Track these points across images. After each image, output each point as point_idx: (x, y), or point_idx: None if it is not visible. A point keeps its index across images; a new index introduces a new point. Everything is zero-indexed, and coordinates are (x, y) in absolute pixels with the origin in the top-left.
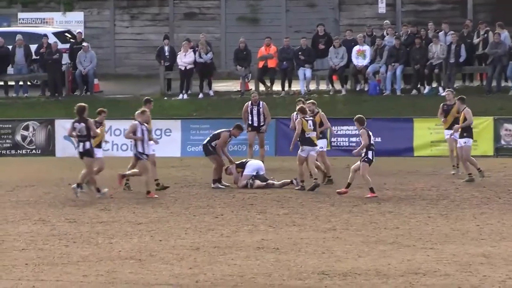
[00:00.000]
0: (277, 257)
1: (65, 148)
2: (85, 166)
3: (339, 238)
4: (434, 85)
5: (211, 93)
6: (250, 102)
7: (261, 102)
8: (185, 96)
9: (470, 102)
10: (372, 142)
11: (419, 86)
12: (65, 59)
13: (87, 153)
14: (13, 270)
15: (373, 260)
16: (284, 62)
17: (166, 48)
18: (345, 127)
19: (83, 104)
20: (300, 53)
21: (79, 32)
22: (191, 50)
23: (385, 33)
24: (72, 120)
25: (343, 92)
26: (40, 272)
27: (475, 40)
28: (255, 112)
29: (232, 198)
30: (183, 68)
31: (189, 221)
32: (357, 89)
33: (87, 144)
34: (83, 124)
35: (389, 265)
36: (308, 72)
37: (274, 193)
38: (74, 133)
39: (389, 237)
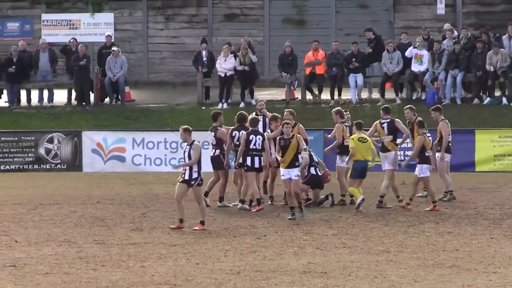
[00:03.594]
0: (325, 282)
1: (93, 162)
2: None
3: (393, 261)
4: (498, 94)
5: (253, 102)
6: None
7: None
8: (225, 106)
9: None
10: None
11: (481, 94)
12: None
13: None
14: None
15: (430, 285)
16: (334, 68)
17: (204, 52)
18: (399, 140)
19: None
20: (354, 59)
21: (109, 35)
22: (232, 55)
23: (444, 36)
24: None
25: (398, 101)
26: None
27: None
28: (260, 124)
29: (276, 217)
30: (222, 75)
31: (229, 243)
32: (414, 97)
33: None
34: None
35: None
36: (360, 79)
37: (322, 212)
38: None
39: (447, 260)
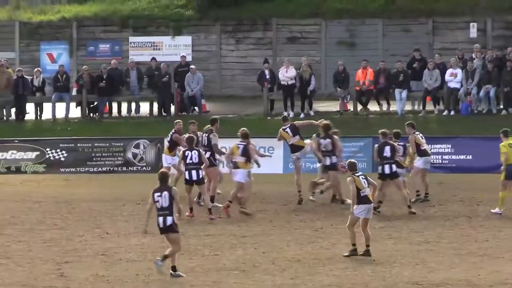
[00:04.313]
0: (373, 269)
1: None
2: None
3: (432, 250)
4: None
5: (312, 113)
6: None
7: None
8: (291, 115)
9: None
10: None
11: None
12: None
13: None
14: (125, 281)
15: (464, 271)
16: (381, 83)
17: (267, 71)
18: (438, 145)
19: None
20: (402, 75)
21: (183, 56)
22: (292, 67)
23: (474, 56)
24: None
25: (436, 112)
26: (150, 282)
27: None
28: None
29: (331, 213)
30: (285, 84)
31: (291, 234)
32: (450, 109)
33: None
34: (328, 140)
35: (479, 276)
36: (404, 93)
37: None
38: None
39: (479, 250)
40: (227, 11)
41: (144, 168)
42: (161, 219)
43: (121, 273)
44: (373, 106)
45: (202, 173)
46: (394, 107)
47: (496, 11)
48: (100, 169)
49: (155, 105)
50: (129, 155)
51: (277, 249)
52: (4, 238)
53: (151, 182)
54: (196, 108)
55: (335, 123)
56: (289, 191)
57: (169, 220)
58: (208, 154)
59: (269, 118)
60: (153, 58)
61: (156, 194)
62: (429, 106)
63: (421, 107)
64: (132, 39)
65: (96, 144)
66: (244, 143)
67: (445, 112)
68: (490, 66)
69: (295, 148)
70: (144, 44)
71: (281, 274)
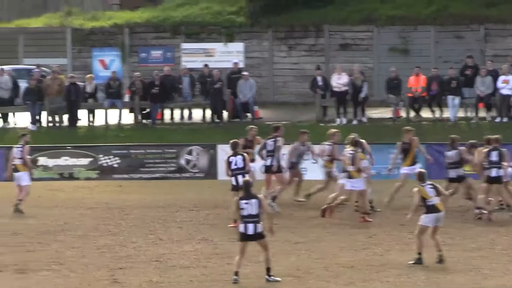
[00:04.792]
0: (427, 275)
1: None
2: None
3: (485, 257)
4: None
5: (364, 119)
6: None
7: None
8: (343, 121)
9: None
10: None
11: None
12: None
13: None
14: (177, 287)
15: None
16: (433, 90)
17: (319, 78)
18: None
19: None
20: (454, 81)
21: (235, 62)
22: (344, 73)
23: None
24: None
25: (489, 119)
26: None
27: None
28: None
29: (385, 219)
30: (338, 90)
31: (344, 241)
32: (502, 116)
33: None
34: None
35: None
36: (457, 100)
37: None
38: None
39: None
40: (279, 18)
41: (197, 174)
42: (251, 226)
43: (175, 279)
44: (425, 113)
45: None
46: (446, 113)
47: None
48: (153, 175)
49: (208, 112)
50: (182, 161)
51: (330, 255)
52: (57, 244)
53: (204, 189)
54: (248, 114)
55: (388, 130)
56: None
57: (259, 227)
58: (273, 160)
59: (321, 124)
60: (206, 65)
61: (243, 202)
62: (482, 113)
63: (473, 114)
64: (184, 45)
65: (148, 151)
66: (353, 151)
67: (498, 119)
68: None
69: None
70: (196, 51)
71: (335, 280)
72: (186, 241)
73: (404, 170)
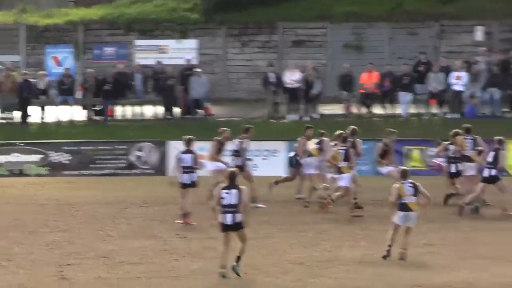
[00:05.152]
0: (376, 271)
1: None
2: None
3: (435, 253)
4: None
5: (316, 115)
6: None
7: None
8: (295, 117)
9: None
10: None
11: None
12: None
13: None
14: (126, 283)
15: (467, 274)
16: (386, 86)
17: (271, 74)
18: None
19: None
20: (407, 78)
21: (188, 59)
22: (297, 70)
23: (479, 59)
24: None
25: (440, 115)
26: (152, 285)
27: None
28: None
29: (336, 215)
30: (290, 87)
31: (295, 237)
32: (454, 112)
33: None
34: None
35: (482, 279)
36: (409, 96)
37: (374, 211)
38: None
39: (483, 252)
40: (232, 15)
41: (148, 171)
42: (229, 216)
43: (123, 275)
44: (377, 109)
45: (195, 176)
46: (398, 109)
47: (502, 14)
48: (103, 172)
49: (160, 108)
50: (133, 158)
51: (280, 252)
52: (6, 240)
53: (154, 185)
54: (201, 111)
55: (340, 126)
56: (292, 193)
57: (238, 217)
58: (238, 160)
59: (273, 120)
60: (159, 61)
61: (224, 191)
62: (434, 109)
63: (425, 110)
64: (137, 42)
65: (99, 147)
66: (346, 147)
67: (449, 115)
68: (495, 69)
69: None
70: (149, 48)
71: (283, 277)
72: (135, 238)
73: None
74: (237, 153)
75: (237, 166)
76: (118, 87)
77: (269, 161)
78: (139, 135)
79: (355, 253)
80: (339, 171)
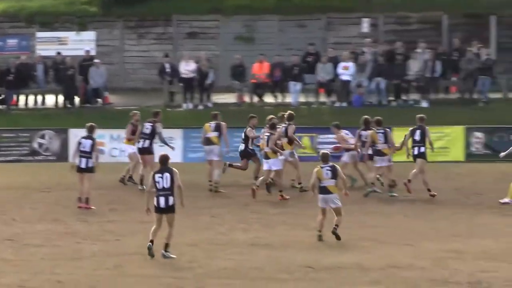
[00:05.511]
0: (268, 253)
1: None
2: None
3: (324, 236)
4: (414, 97)
5: (210, 104)
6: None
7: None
8: (189, 106)
9: (445, 113)
10: None
11: (399, 98)
12: None
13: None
14: (30, 264)
15: (355, 255)
16: (276, 76)
17: (167, 65)
18: (330, 135)
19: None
20: (296, 68)
21: (87, 50)
22: (192, 61)
23: (365, 49)
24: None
25: (329, 104)
26: (55, 266)
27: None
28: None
29: (228, 199)
30: (186, 77)
31: (189, 221)
32: (342, 101)
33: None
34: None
35: (369, 260)
36: (298, 86)
37: (269, 196)
38: None
39: (371, 235)
40: (129, 8)
41: (50, 157)
42: (162, 199)
43: (27, 257)
44: (268, 98)
45: (91, 162)
46: (288, 99)
47: (387, 7)
48: (6, 158)
49: (60, 97)
50: (35, 145)
51: (176, 235)
52: None
53: (56, 171)
54: (99, 100)
55: (232, 115)
56: (189, 179)
57: (171, 200)
58: (148, 142)
59: (169, 109)
60: (59, 53)
61: (157, 175)
62: (322, 98)
63: (314, 99)
64: (39, 34)
65: (3, 135)
66: (271, 133)
67: (338, 104)
68: (380, 60)
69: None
70: (50, 39)
71: (179, 258)
72: (39, 221)
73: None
74: (147, 136)
75: (145, 148)
76: (21, 77)
77: (165, 148)
78: (41, 123)
79: (248, 235)
80: (266, 156)
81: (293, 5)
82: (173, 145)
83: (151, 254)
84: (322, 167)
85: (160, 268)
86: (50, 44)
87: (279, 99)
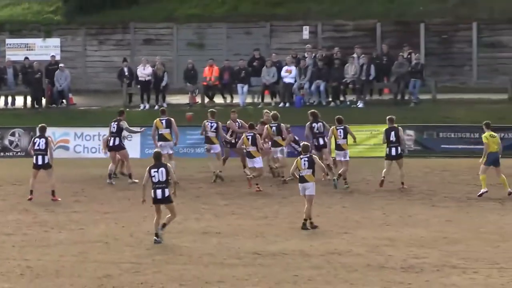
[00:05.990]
0: (219, 240)
1: None
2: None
3: (270, 224)
4: (351, 98)
5: (165, 105)
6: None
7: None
8: (146, 107)
9: (379, 112)
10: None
11: (338, 99)
12: None
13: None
14: (1, 251)
15: (298, 242)
16: (225, 79)
17: (125, 69)
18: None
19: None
20: (243, 72)
21: (53, 55)
22: (149, 65)
23: (306, 55)
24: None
25: (273, 104)
26: (24, 253)
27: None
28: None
29: (182, 191)
30: (143, 80)
31: (147, 212)
32: (285, 101)
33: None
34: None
35: (311, 247)
36: (245, 88)
37: (218, 187)
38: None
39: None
40: (91, 17)
41: (19, 153)
42: (159, 191)
43: None
44: (218, 99)
45: (47, 158)
46: (236, 100)
47: (325, 16)
48: None
49: (29, 99)
50: (6, 142)
51: (135, 224)
52: None
53: (25, 166)
54: (64, 101)
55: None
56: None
57: (166, 191)
58: (118, 140)
59: (127, 109)
60: (26, 58)
61: (153, 170)
62: (267, 99)
63: (260, 100)
64: (8, 41)
65: None
66: (253, 133)
67: (281, 104)
68: (320, 64)
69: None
70: (19, 46)
71: (138, 246)
72: (9, 212)
73: None
74: (115, 134)
75: (116, 146)
76: None
77: (126, 144)
78: (12, 122)
79: (200, 224)
80: (250, 155)
81: (239, 14)
82: (139, 129)
83: (158, 241)
84: (301, 158)
85: (120, 254)
86: (18, 50)
87: (228, 100)
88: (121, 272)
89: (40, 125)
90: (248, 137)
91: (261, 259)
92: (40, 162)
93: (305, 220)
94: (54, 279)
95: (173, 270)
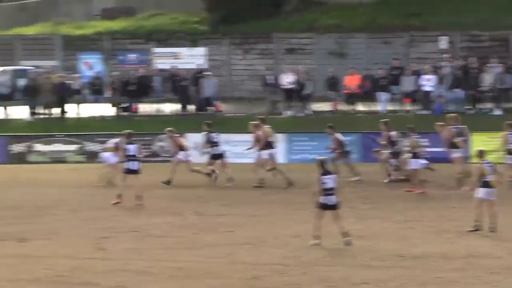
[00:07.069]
0: (361, 244)
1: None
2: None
3: (412, 228)
4: (488, 105)
5: (309, 112)
6: None
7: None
8: (290, 113)
9: None
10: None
11: (475, 106)
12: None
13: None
14: (153, 253)
15: (441, 245)
16: (366, 87)
17: (269, 77)
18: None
19: None
20: (384, 80)
21: (199, 64)
22: (291, 73)
23: (444, 64)
24: None
25: (413, 111)
26: (175, 255)
27: None
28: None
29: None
30: (286, 87)
31: (293, 215)
32: (425, 109)
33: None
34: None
35: (453, 250)
36: (386, 96)
37: (362, 192)
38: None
39: (453, 227)
40: (235, 27)
41: (168, 158)
42: (332, 197)
43: (149, 246)
44: (360, 106)
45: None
46: (378, 107)
47: (462, 26)
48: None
49: (176, 106)
50: (155, 147)
51: (281, 226)
52: (51, 217)
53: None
54: (210, 107)
55: (329, 121)
56: (292, 177)
57: (334, 199)
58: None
59: (271, 116)
60: (174, 66)
61: (324, 177)
62: (408, 106)
63: (400, 107)
64: (155, 49)
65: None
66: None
67: (421, 111)
68: (457, 73)
69: None
70: (166, 54)
71: (284, 248)
72: (159, 214)
73: None
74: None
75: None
76: (141, 88)
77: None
78: (160, 127)
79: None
80: None
81: (379, 25)
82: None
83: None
84: (483, 163)
85: (267, 256)
86: (165, 59)
87: (369, 107)
88: (269, 274)
89: (127, 131)
90: None
91: (404, 261)
92: (132, 167)
93: (492, 224)
94: (204, 280)
95: (319, 271)
